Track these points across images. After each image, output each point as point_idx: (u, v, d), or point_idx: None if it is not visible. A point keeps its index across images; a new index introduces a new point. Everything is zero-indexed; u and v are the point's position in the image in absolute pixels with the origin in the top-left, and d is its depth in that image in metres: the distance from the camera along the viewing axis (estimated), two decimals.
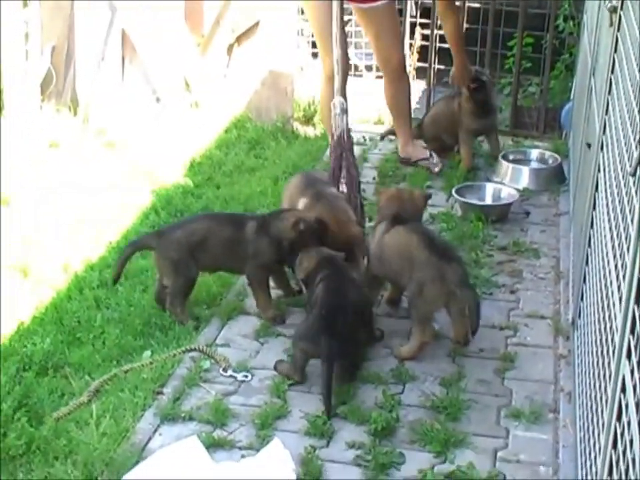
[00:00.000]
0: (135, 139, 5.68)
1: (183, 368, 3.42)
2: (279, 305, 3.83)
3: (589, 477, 2.42)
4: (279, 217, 3.71)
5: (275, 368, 3.39)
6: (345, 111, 4.20)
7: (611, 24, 3.28)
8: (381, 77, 7.12)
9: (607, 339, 2.39)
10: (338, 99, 4.22)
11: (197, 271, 3.70)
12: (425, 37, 6.59)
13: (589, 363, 2.81)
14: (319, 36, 4.82)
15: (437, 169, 5.25)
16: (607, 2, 3.40)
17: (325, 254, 3.51)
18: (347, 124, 4.21)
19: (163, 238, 3.69)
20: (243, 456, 2.92)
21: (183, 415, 3.14)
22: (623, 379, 1.99)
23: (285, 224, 3.64)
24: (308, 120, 6.26)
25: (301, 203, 3.86)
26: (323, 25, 4.59)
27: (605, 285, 2.58)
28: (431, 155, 5.29)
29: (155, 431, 3.08)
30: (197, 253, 3.67)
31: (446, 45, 5.44)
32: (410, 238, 3.49)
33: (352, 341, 3.28)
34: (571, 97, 5.83)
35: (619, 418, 2.02)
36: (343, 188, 4.05)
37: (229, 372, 3.39)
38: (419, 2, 6.73)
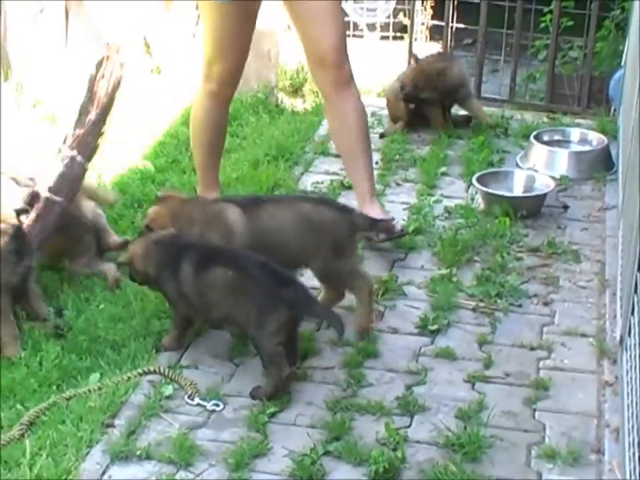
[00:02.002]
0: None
1: (139, 394, 3.42)
2: None
3: None
4: None
5: (253, 396, 3.42)
6: None
7: None
8: (386, 38, 7.15)
9: None
10: None
11: None
12: None
13: None
14: (213, 39, 4.44)
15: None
16: None
17: (159, 235, 3.69)
18: None
19: None
20: None
21: (138, 452, 3.13)
22: None
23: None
24: (296, 90, 6.28)
25: None
26: (222, 27, 4.38)
27: None
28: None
29: (104, 472, 3.07)
30: None
31: None
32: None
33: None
34: (622, 63, 5.85)
35: None
36: None
37: (196, 400, 3.39)
38: None
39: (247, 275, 3.48)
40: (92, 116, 4.11)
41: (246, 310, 3.44)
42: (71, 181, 4.01)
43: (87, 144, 4.08)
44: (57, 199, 3.93)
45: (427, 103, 5.67)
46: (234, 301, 3.47)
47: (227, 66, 4.44)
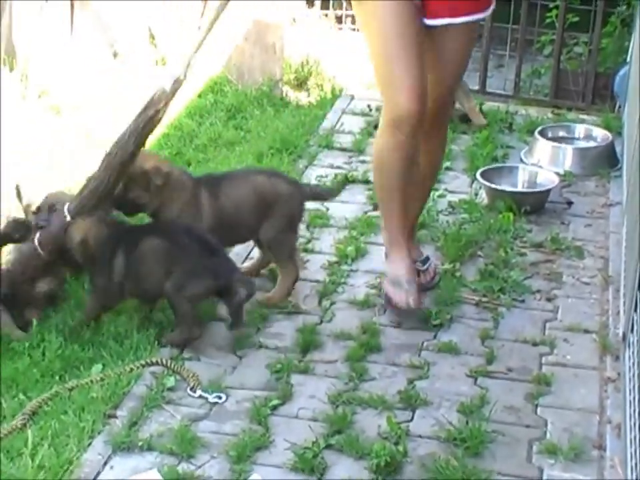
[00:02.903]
0: (87, 103, 5.68)
1: (141, 386, 3.42)
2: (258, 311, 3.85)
3: None
4: None
5: (164, 343, 3.62)
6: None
7: None
8: None
9: None
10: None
11: None
12: None
13: None
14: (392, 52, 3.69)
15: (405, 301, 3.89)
16: None
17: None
18: None
19: None
20: None
21: (140, 443, 3.13)
22: None
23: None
24: (300, 84, 6.27)
25: None
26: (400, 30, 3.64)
27: None
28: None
29: (105, 463, 3.07)
30: None
31: None
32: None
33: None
34: (628, 59, 5.84)
35: None
36: None
37: (199, 392, 3.39)
38: None
39: (175, 243, 3.63)
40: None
41: (170, 275, 3.60)
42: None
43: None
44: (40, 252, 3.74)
45: None
46: (165, 269, 3.62)
47: (418, 84, 3.68)
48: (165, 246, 3.65)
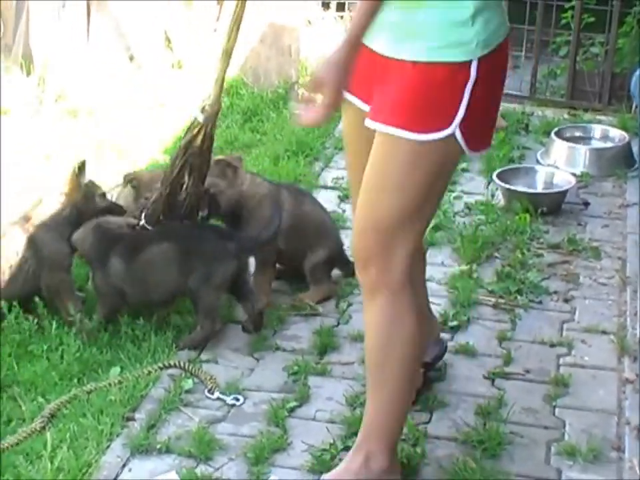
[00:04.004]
0: (102, 107, 5.70)
1: (159, 388, 3.43)
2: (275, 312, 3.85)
3: None
4: None
5: (182, 347, 3.62)
6: None
7: None
8: None
9: None
10: None
11: None
12: None
13: None
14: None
15: None
16: None
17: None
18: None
19: None
20: None
21: (158, 446, 3.14)
22: None
23: None
24: None
25: None
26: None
27: None
28: None
29: (124, 465, 3.08)
30: None
31: None
32: None
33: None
34: None
35: None
36: None
37: (216, 394, 3.40)
38: None
39: (186, 242, 3.64)
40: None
41: (192, 271, 3.61)
42: None
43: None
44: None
45: None
46: (178, 270, 3.63)
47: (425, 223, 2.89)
48: (175, 249, 3.66)
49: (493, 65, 2.64)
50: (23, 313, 3.68)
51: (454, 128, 2.62)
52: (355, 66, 2.61)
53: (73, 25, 6.08)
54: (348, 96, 2.76)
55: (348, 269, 3.96)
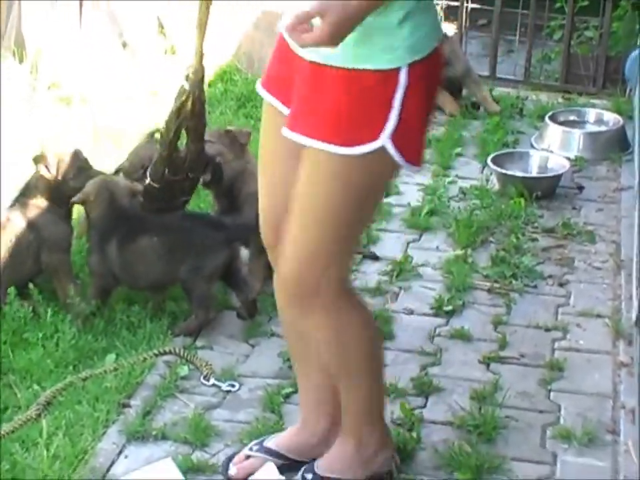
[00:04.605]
0: (96, 94, 5.68)
1: (155, 375, 3.43)
2: None
3: None
4: None
5: (177, 333, 3.63)
6: None
7: None
8: None
9: None
10: None
11: None
12: None
13: None
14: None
15: None
16: None
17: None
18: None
19: None
20: None
21: (154, 432, 3.14)
22: None
23: None
24: None
25: None
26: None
27: None
28: None
29: (120, 452, 3.08)
30: None
31: None
32: None
33: None
34: (639, 43, 5.81)
35: None
36: None
37: (212, 380, 3.40)
38: None
39: (176, 234, 3.67)
40: None
41: (183, 262, 3.62)
42: None
43: None
44: None
45: None
46: (168, 260, 3.65)
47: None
48: (166, 239, 3.66)
49: (426, 72, 2.41)
50: (19, 300, 3.68)
51: (384, 140, 2.39)
52: (276, 63, 2.59)
53: (65, 12, 6.05)
54: (266, 95, 2.67)
55: None
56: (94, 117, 5.42)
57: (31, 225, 3.75)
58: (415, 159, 2.48)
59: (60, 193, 3.76)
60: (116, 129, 5.30)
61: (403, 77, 2.35)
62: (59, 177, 3.77)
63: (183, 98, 3.57)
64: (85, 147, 5.01)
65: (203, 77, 3.59)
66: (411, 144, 2.45)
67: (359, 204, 2.51)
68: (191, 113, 3.61)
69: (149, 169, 3.79)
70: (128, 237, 3.69)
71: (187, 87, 3.56)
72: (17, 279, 3.74)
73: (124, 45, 6.27)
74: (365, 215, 2.62)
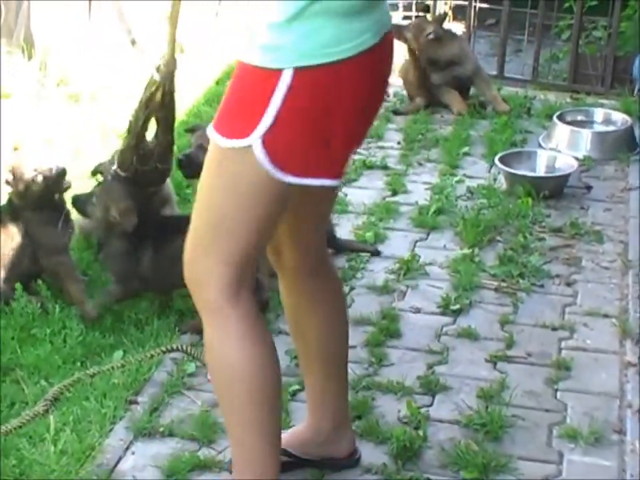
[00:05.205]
0: (105, 91, 5.69)
1: (162, 372, 3.43)
2: None
3: None
4: None
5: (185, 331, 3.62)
6: None
7: None
8: (409, 17, 7.10)
9: None
10: None
11: None
12: None
13: None
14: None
15: None
16: None
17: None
18: None
19: None
20: None
21: (161, 429, 3.15)
22: None
23: None
24: None
25: None
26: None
27: None
28: None
29: (127, 448, 3.09)
30: None
31: None
32: None
33: None
34: None
35: None
36: None
37: None
38: None
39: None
40: None
41: None
42: None
43: None
44: None
45: (439, 89, 5.71)
46: None
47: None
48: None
49: (322, 81, 2.25)
50: (27, 295, 3.69)
51: (254, 139, 2.28)
52: None
53: (74, 9, 6.06)
54: None
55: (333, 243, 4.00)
56: (99, 113, 5.43)
57: (24, 230, 3.77)
58: (291, 168, 2.32)
59: (37, 199, 3.76)
60: (124, 127, 5.30)
61: (285, 80, 2.23)
62: (20, 187, 3.75)
63: (153, 89, 3.54)
64: (93, 145, 5.07)
65: (174, 69, 3.57)
66: (288, 151, 2.31)
67: (228, 199, 2.40)
68: (160, 104, 3.58)
69: (116, 156, 3.80)
70: (163, 240, 3.66)
71: (157, 77, 3.54)
72: (14, 277, 3.75)
73: (133, 42, 6.27)
74: (235, 218, 2.42)
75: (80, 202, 3.76)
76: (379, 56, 2.36)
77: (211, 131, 2.39)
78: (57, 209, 3.79)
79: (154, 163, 3.75)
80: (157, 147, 3.73)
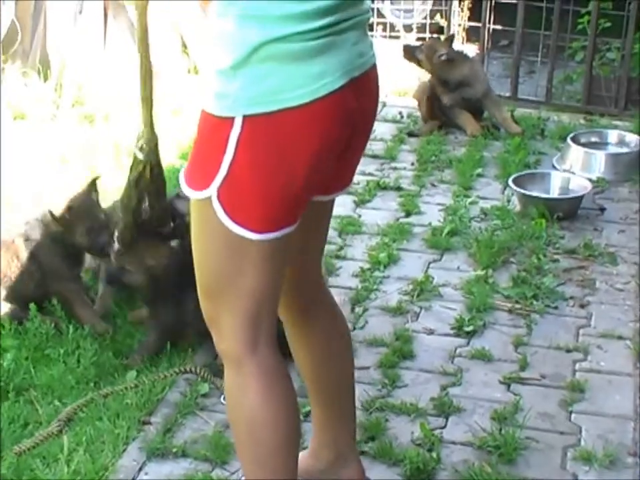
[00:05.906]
0: (120, 112, 5.71)
1: (175, 392, 3.43)
2: None
3: None
4: None
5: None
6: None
7: None
8: (423, 39, 7.11)
9: None
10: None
11: None
12: None
13: None
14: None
15: None
16: None
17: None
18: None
19: None
20: None
21: (174, 449, 3.15)
22: None
23: None
24: None
25: None
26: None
27: None
28: None
29: (140, 469, 3.09)
30: None
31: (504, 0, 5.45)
32: None
33: None
34: None
35: None
36: None
37: None
38: None
39: None
40: None
41: None
42: None
43: None
44: None
45: (453, 111, 5.73)
46: None
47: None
48: None
49: (273, 129, 2.15)
50: (41, 316, 3.70)
51: (212, 190, 2.20)
52: None
53: (89, 30, 6.10)
54: None
55: None
56: (114, 134, 5.46)
57: (32, 255, 3.78)
58: (248, 223, 2.22)
59: (66, 242, 3.80)
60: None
61: (236, 128, 2.15)
62: (66, 233, 3.79)
63: (140, 168, 3.48)
64: (106, 166, 5.09)
65: (157, 144, 3.49)
66: (242, 203, 2.21)
67: (215, 257, 2.31)
68: (150, 180, 3.54)
69: (116, 235, 3.75)
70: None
71: (140, 156, 3.53)
72: (19, 298, 3.77)
73: None
74: (239, 281, 2.31)
75: (113, 276, 3.74)
76: (344, 99, 2.20)
77: (180, 180, 2.31)
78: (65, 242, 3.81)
79: (154, 230, 3.72)
80: (154, 215, 3.66)
